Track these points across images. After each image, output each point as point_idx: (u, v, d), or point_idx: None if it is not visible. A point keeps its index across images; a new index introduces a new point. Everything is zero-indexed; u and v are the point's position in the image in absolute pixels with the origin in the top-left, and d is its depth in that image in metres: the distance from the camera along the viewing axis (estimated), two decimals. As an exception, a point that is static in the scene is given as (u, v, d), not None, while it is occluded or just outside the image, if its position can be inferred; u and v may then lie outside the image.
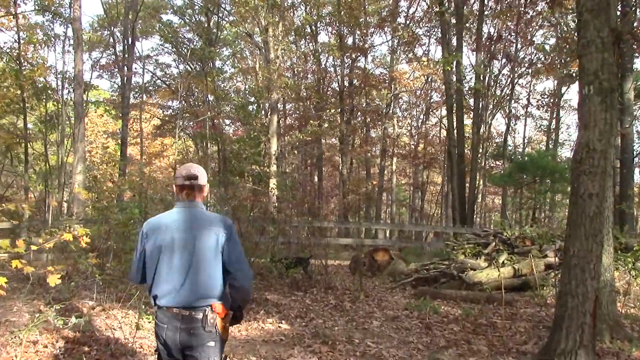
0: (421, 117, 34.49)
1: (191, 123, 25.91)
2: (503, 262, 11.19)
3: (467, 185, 20.93)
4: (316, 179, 30.23)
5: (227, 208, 15.49)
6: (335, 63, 28.93)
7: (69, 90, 20.96)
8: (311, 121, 25.53)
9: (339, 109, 27.39)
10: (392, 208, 32.92)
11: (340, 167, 27.95)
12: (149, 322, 7.19)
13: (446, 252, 12.75)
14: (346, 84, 28.18)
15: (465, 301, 9.84)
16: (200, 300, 3.22)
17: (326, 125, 27.01)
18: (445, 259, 12.39)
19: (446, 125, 23.10)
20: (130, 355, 5.73)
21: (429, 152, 32.73)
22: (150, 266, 3.33)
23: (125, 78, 22.16)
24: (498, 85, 28.05)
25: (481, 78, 23.81)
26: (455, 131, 20.73)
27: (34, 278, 10.54)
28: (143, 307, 8.00)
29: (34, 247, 5.99)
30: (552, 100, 30.21)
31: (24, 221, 15.37)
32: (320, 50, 27.23)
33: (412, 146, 34.37)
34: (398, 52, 29.94)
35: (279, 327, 7.50)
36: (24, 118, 16.94)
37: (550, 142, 31.23)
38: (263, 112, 25.16)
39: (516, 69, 27.15)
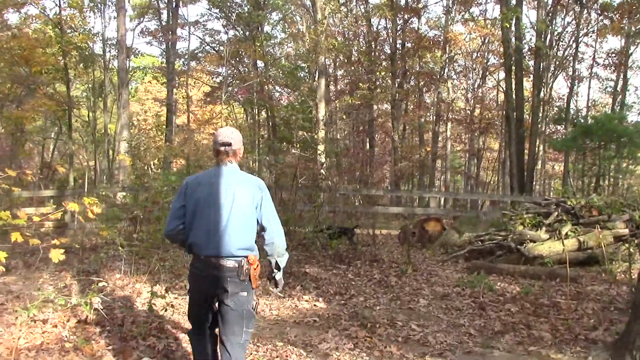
0: (477, 81, 32.85)
1: (238, 90, 25.24)
2: (567, 233, 10.14)
3: (526, 151, 19.61)
4: (368, 145, 29.22)
5: (273, 175, 14.86)
6: (387, 25, 27.63)
7: (110, 58, 20.63)
8: (361, 84, 24.43)
9: (391, 73, 26.17)
10: (446, 176, 31.59)
11: (392, 133, 26.85)
12: (176, 298, 6.60)
13: (503, 222, 11.72)
14: (398, 46, 26.89)
15: (524, 277, 8.91)
16: (236, 251, 3.49)
17: (377, 89, 25.84)
18: (502, 230, 11.39)
19: (504, 88, 21.67)
20: (142, 338, 5.11)
21: (485, 117, 31.16)
22: (190, 218, 3.60)
23: (170, 43, 21.58)
24: (561, 44, 26.19)
25: (542, 36, 22.16)
26: (513, 94, 19.34)
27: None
28: (172, 281, 7.46)
29: (36, 218, 5.44)
30: (619, 59, 28.03)
31: (69, 189, 15.13)
32: (371, 11, 25.90)
33: (468, 111, 32.86)
34: (453, 13, 28.41)
35: (315, 305, 6.79)
36: (67, 84, 16.58)
37: (616, 105, 29.10)
38: (312, 76, 24.26)
39: (581, 26, 25.19)
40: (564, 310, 6.72)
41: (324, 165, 16.86)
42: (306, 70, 26.76)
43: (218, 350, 3.71)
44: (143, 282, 7.49)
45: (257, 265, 3.58)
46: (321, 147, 18.35)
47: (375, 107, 30.06)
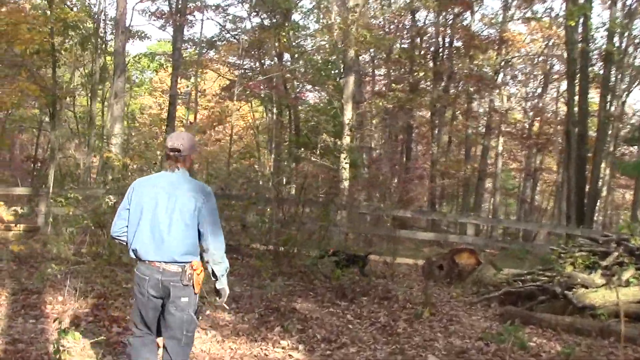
0: (538, 89, 31.74)
1: (253, 84, 24.65)
2: (627, 280, 9.11)
3: (589, 174, 18.50)
4: (405, 157, 28.38)
5: (290, 185, 14.20)
6: (433, 19, 26.78)
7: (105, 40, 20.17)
8: (394, 85, 23.59)
9: (433, 73, 25.25)
10: (494, 197, 30.50)
11: (432, 144, 25.95)
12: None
13: (552, 259, 10.75)
14: (446, 44, 26.03)
15: (569, 331, 7.96)
16: (179, 256, 3.92)
17: (416, 92, 24.93)
18: (549, 269, 10.43)
19: (566, 98, 20.63)
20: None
21: (545, 132, 30.02)
22: (133, 222, 4.02)
23: (178, 25, 21.06)
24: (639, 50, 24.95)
25: (616, 39, 21.06)
26: (576, 105, 18.30)
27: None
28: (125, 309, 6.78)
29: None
30: None
31: (44, 187, 14.68)
32: (413, 1, 25.01)
33: (525, 124, 31.75)
34: (512, 9, 27.46)
35: (290, 355, 5.99)
36: (53, 67, 16.12)
37: (702, 125, 27.70)
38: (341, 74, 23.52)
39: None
40: (613, 384, 5.80)
41: (343, 176, 16.20)
42: (337, 68, 26.02)
43: (159, 354, 4.18)
44: (87, 307, 6.83)
45: (201, 271, 4.06)
46: (344, 156, 17.67)
47: (418, 113, 29.25)
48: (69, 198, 10.65)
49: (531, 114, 31.13)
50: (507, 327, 7.78)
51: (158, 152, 17.93)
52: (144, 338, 4.17)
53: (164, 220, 3.95)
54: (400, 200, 21.10)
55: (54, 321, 5.46)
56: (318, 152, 18.80)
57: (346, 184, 17.39)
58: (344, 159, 17.55)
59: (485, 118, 29.09)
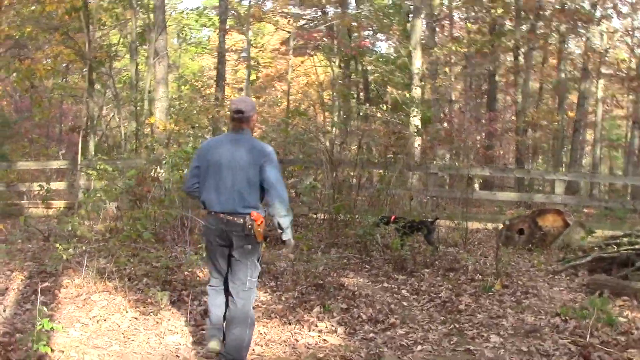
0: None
1: (309, 33, 24.16)
2: None
3: None
4: (487, 109, 27.36)
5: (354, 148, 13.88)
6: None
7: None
8: (468, 26, 22.56)
9: (516, 10, 23.99)
10: (595, 150, 29.09)
11: (515, 92, 24.85)
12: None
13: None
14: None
15: (672, 304, 7.33)
16: (241, 208, 4.73)
17: (497, 34, 23.80)
18: (651, 230, 9.72)
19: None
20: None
21: (655, 73, 28.25)
22: (202, 179, 4.92)
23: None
24: None
25: None
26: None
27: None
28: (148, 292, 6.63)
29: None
30: None
31: (83, 160, 14.80)
32: None
33: (631, 64, 29.96)
34: None
35: (325, 340, 5.68)
36: (86, 27, 16.02)
37: None
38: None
39: None
40: None
41: (414, 133, 15.72)
42: (405, 11, 25.13)
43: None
44: (103, 291, 6.70)
45: (262, 222, 4.80)
46: (415, 112, 17.12)
47: (502, 59, 28.07)
48: (99, 170, 10.62)
49: (638, 51, 29.32)
50: (593, 300, 7.22)
51: (208, 116, 17.90)
52: (217, 288, 5.07)
53: (227, 176, 4.79)
54: (480, 157, 20.39)
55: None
56: (385, 107, 18.21)
57: (417, 142, 16.87)
58: (414, 113, 16.99)
59: (582, 60, 27.57)
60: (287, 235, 4.90)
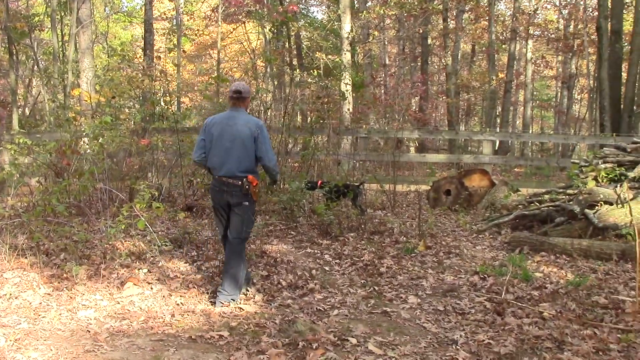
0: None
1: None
2: (658, 191, 8.56)
3: (625, 75, 17.59)
4: (420, 72, 27.43)
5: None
6: None
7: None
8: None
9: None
10: (525, 111, 29.58)
11: (444, 57, 24.95)
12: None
13: (571, 174, 10.18)
14: None
15: (587, 256, 7.51)
16: (239, 172, 5.78)
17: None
18: (570, 187, 9.88)
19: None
20: None
21: (580, 33, 28.72)
22: (208, 149, 5.92)
23: None
24: None
25: None
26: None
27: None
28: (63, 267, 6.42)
29: None
30: None
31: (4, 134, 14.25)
32: None
33: (558, 25, 30.42)
34: None
35: (240, 308, 5.59)
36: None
37: None
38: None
39: None
40: (627, 316, 5.33)
41: (344, 97, 15.65)
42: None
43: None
44: (17, 268, 6.45)
45: (256, 183, 5.88)
46: (347, 77, 17.04)
47: (435, 22, 28.11)
48: (19, 144, 10.22)
49: (565, 12, 29.77)
50: (512, 257, 7.34)
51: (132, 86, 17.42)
52: (225, 238, 6.08)
53: (227, 146, 5.78)
54: (412, 120, 20.47)
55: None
56: (316, 73, 18.05)
57: (348, 106, 16.80)
58: (344, 78, 16.90)
59: (510, 21, 27.85)
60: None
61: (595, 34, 18.97)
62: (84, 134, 10.22)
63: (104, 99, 14.76)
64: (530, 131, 30.97)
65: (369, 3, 24.68)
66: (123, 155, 10.69)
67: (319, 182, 10.05)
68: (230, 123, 5.83)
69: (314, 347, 4.62)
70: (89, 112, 13.22)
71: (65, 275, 6.25)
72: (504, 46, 28.72)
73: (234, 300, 5.69)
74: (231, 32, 29.59)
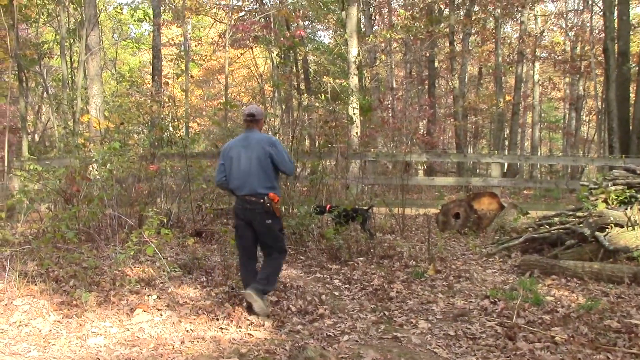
0: (579, 4, 30.33)
1: (242, 24, 23.83)
2: (669, 214, 8.52)
3: (633, 95, 17.58)
4: (427, 95, 27.49)
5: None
6: None
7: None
8: (402, 12, 22.57)
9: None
10: (533, 133, 29.56)
11: (451, 79, 25.00)
12: None
13: (580, 197, 10.14)
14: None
15: (598, 280, 7.45)
16: (260, 190, 6.02)
17: (432, 19, 23.87)
18: (580, 209, 9.84)
19: (602, 8, 19.54)
20: None
21: (587, 54, 28.74)
22: (229, 171, 6.20)
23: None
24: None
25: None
26: (615, 17, 17.30)
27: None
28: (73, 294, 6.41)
29: None
30: None
31: (14, 161, 14.38)
32: None
33: (565, 47, 30.44)
34: None
35: (250, 334, 5.58)
36: (14, 22, 15.49)
37: None
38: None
39: None
40: (641, 340, 5.30)
41: (352, 121, 15.73)
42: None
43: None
44: (27, 295, 6.46)
45: (277, 200, 6.05)
46: (354, 101, 17.15)
47: (441, 45, 28.21)
48: (29, 171, 10.29)
49: (571, 34, 29.81)
50: (523, 280, 7.30)
51: (141, 112, 17.54)
52: (244, 259, 6.32)
53: (246, 166, 6.05)
54: (420, 144, 20.48)
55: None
56: (323, 97, 18.14)
57: (356, 130, 16.85)
58: (352, 102, 17.00)
59: (518, 43, 27.93)
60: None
61: (602, 55, 18.99)
62: (93, 160, 10.27)
63: (112, 125, 14.91)
64: (539, 153, 30.97)
65: (376, 27, 24.95)
66: (132, 181, 10.72)
67: (328, 206, 10.06)
68: (245, 144, 6.13)
69: (323, 373, 4.60)
70: (98, 138, 13.32)
71: (74, 302, 6.25)
72: (511, 68, 28.75)
73: (264, 293, 5.99)
74: (239, 57, 29.83)
